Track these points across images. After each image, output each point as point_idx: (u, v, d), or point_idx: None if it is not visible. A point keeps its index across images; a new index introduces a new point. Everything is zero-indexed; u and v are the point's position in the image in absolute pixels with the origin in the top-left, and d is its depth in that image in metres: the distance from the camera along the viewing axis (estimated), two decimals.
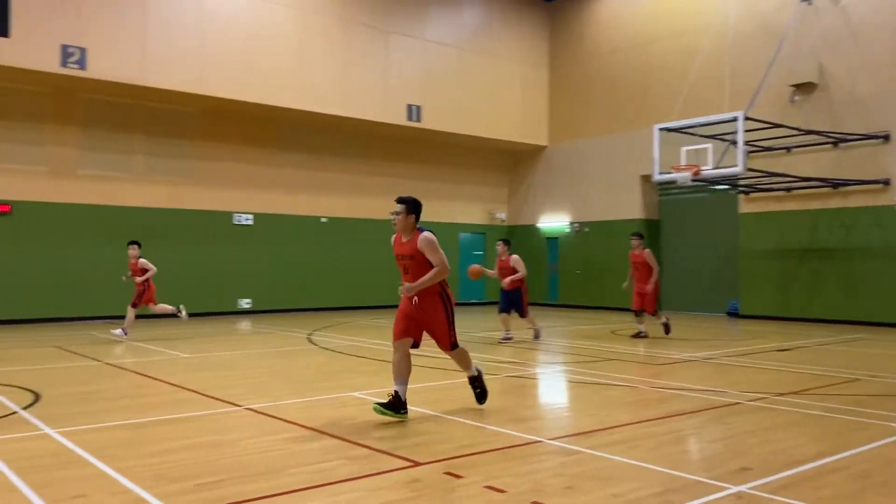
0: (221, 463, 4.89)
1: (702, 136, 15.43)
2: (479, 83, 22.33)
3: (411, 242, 6.35)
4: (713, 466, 4.86)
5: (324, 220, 20.78)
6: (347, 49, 19.60)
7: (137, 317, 13.48)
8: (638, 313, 13.39)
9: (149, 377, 8.63)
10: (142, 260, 13.18)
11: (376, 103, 19.98)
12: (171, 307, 13.53)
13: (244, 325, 16.55)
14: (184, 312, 13.61)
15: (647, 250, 13.29)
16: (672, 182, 15.91)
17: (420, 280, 6.26)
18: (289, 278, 20.16)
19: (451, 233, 23.00)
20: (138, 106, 17.71)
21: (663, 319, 13.46)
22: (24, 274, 16.15)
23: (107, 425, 6.10)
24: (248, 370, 9.36)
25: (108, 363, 9.84)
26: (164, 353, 10.97)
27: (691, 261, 20.77)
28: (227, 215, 19.24)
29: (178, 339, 12.93)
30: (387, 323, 16.62)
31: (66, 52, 15.29)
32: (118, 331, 12.98)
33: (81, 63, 15.47)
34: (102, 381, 8.48)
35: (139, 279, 13.08)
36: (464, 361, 6.72)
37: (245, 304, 19.48)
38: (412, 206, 6.50)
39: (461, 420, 6.26)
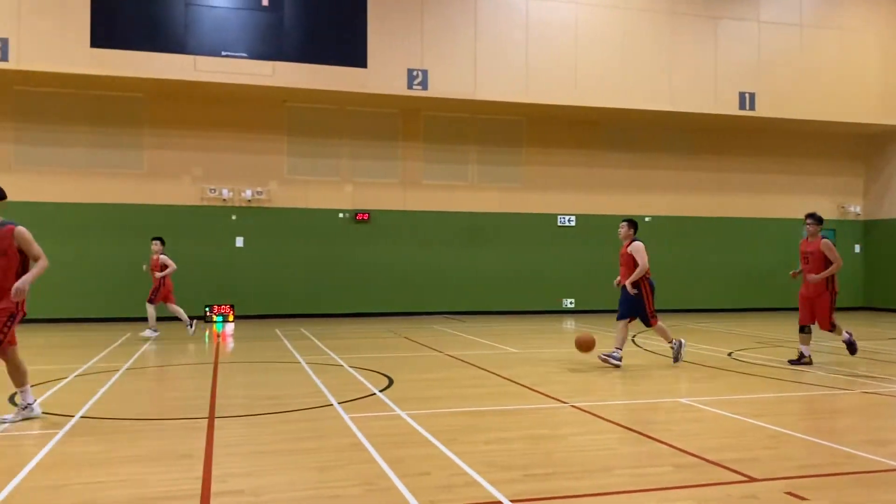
0: (550, 456, 5.03)
1: None
2: (825, 61, 19.94)
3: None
4: None
5: (647, 219, 20.33)
6: (674, 42, 18.95)
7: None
8: (804, 329, 9.75)
9: (483, 369, 9.23)
10: (163, 256, 13.32)
11: (705, 94, 18.98)
12: (182, 312, 13.50)
13: (568, 324, 16.89)
14: (192, 328, 13.46)
15: (826, 239, 9.68)
16: None
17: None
18: (611, 278, 20.05)
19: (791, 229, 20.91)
20: (471, 119, 19.13)
21: (845, 336, 9.86)
22: (380, 272, 18.42)
23: (448, 411, 6.66)
24: (572, 368, 9.52)
25: (448, 355, 10.76)
26: (496, 348, 11.66)
27: None
28: (552, 217, 19.84)
29: (508, 336, 13.65)
30: (718, 328, 15.68)
31: (411, 76, 17.13)
32: (147, 332, 13.09)
33: (424, 84, 17.20)
34: (444, 370, 9.28)
35: (158, 274, 13.24)
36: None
37: (569, 303, 19.88)
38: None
39: (802, 437, 5.63)
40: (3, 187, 6.35)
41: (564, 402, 7.00)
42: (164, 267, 13.27)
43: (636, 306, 9.57)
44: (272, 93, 17.01)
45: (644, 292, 9.56)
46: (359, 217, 18.40)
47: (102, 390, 7.59)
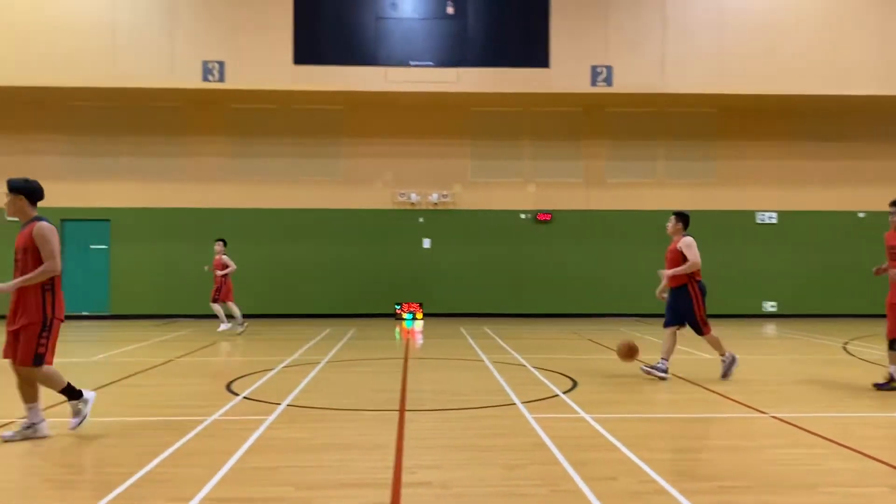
0: (747, 469, 4.73)
1: None
2: None
3: None
4: None
5: (861, 214, 18.44)
6: (884, 21, 17.07)
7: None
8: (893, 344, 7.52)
9: (673, 375, 8.85)
10: (224, 257, 13.74)
11: None
12: (238, 311, 13.72)
13: (769, 328, 15.74)
14: (244, 326, 13.75)
15: None
16: None
17: None
18: (819, 280, 18.45)
19: None
20: (658, 113, 18.42)
21: None
22: (562, 273, 18.27)
23: (635, 416, 6.47)
24: (772, 376, 8.87)
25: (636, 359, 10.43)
26: (689, 353, 11.14)
27: None
28: (750, 214, 18.61)
29: (701, 340, 12.99)
30: None
31: (595, 73, 16.85)
32: (223, 326, 13.82)
33: (608, 80, 16.85)
34: (630, 374, 9.01)
35: (219, 273, 13.67)
36: None
37: (770, 307, 18.53)
38: None
39: None
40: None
41: (764, 413, 6.54)
42: (224, 266, 13.88)
43: (684, 313, 8.31)
44: (457, 98, 17.50)
45: (693, 296, 8.27)
46: (540, 217, 18.39)
47: (305, 381, 8.21)
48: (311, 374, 8.72)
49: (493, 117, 18.38)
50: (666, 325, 8.47)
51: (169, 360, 10.10)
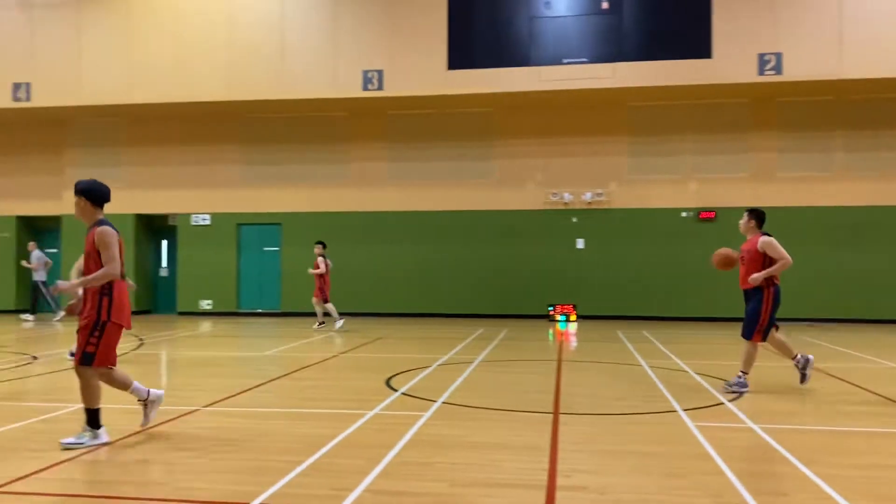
0: None
1: None
2: None
3: None
4: None
5: None
6: None
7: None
8: None
9: (853, 384, 8.14)
10: (320, 258, 14.75)
11: None
12: (334, 309, 14.86)
13: None
14: (341, 322, 14.85)
15: None
16: None
17: None
18: None
19: None
20: (835, 101, 16.99)
21: None
22: (727, 274, 17.25)
23: (808, 428, 6.01)
24: None
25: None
26: (873, 362, 10.20)
27: None
28: None
29: (888, 348, 11.84)
30: None
31: (762, 61, 15.82)
32: (339, 323, 14.80)
33: (777, 68, 15.76)
34: (798, 380, 8.38)
35: (311, 271, 14.85)
36: None
37: None
38: None
39: None
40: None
41: None
42: (317, 267, 14.84)
43: (749, 313, 7.62)
44: (612, 94, 17.09)
45: (764, 300, 7.53)
46: (702, 216, 17.53)
47: (459, 379, 8.34)
48: (466, 373, 8.84)
49: (650, 112, 17.77)
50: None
51: (333, 356, 10.63)
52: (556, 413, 6.48)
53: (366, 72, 17.26)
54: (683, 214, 17.68)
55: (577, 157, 18.09)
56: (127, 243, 19.12)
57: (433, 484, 4.39)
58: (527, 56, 16.96)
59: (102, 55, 18.07)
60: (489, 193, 18.36)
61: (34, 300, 17.50)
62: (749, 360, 7.63)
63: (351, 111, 18.65)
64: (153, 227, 20.33)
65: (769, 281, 7.58)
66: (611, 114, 17.88)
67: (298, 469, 4.66)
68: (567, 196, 17.99)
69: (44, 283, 17.33)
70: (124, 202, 19.53)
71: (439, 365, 9.59)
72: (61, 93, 18.12)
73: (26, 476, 4.52)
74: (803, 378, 7.67)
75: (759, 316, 7.54)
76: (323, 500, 4.08)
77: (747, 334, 7.64)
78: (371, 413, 6.42)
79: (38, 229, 20.66)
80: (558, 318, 17.30)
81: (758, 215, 7.94)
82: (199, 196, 19.36)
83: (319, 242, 15.29)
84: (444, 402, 6.94)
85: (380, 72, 17.21)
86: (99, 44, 18.12)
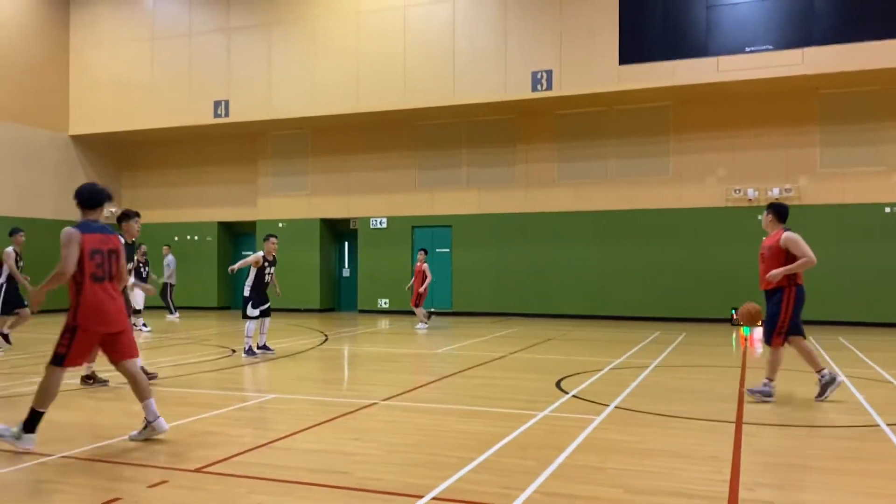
0: None
1: None
2: None
3: None
4: None
5: None
6: None
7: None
8: None
9: None
10: (424, 265, 15.38)
11: None
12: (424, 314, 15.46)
13: None
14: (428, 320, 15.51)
15: None
16: None
17: None
18: None
19: None
20: None
21: None
22: None
23: None
24: None
25: None
26: None
27: None
28: None
29: None
30: None
31: None
32: (423, 326, 15.34)
33: None
34: None
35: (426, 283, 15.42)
36: None
37: None
38: None
39: None
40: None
41: None
42: (425, 275, 15.41)
43: (769, 314, 7.11)
44: (801, 82, 15.82)
45: (785, 301, 7.02)
46: None
47: (634, 384, 8.08)
48: (640, 378, 8.56)
49: (845, 98, 16.24)
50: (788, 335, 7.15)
51: (504, 356, 10.71)
52: (738, 422, 6.10)
53: (535, 73, 17.24)
54: (887, 210, 15.99)
55: (761, 150, 16.93)
56: (313, 246, 20.66)
57: (606, 489, 4.29)
58: (704, 46, 16.13)
59: (289, 72, 19.48)
60: (665, 191, 17.64)
61: (169, 300, 18.75)
62: (772, 366, 7.11)
63: (518, 112, 18.71)
64: (336, 231, 21.59)
65: (791, 280, 7.08)
66: (799, 102, 16.55)
67: (470, 466, 4.74)
68: (751, 192, 16.87)
69: (171, 285, 18.85)
70: (311, 208, 20.96)
71: (612, 368, 9.36)
72: (254, 108, 19.75)
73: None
74: (821, 394, 7.04)
75: (778, 317, 7.05)
76: (494, 498, 4.11)
77: (767, 339, 7.16)
78: (541, 414, 6.39)
79: (236, 234, 22.65)
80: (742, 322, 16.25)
81: (778, 209, 7.56)
82: (376, 201, 20.30)
83: (423, 249, 15.87)
84: (616, 407, 6.76)
85: (549, 72, 17.11)
86: (286, 62, 19.55)
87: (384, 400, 7.10)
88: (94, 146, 22.34)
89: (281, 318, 17.70)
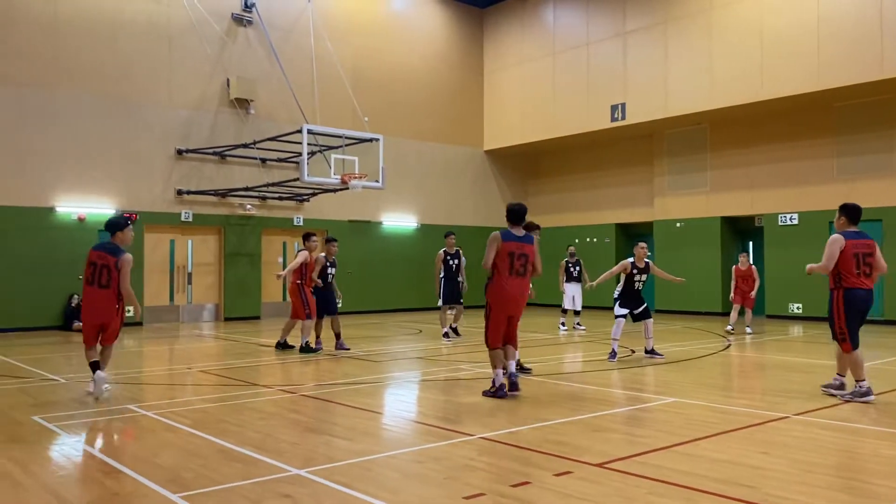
0: None
1: None
2: None
3: None
4: None
5: None
6: None
7: None
8: None
9: None
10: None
11: None
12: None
13: None
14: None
15: None
16: None
17: None
18: None
19: None
20: None
21: None
22: None
23: None
24: None
25: None
26: None
27: None
28: None
29: None
30: None
31: None
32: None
33: None
34: None
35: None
36: None
37: None
38: None
39: None
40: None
41: None
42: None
43: (828, 320, 7.16)
44: None
45: (834, 302, 7.05)
46: None
47: None
48: None
49: None
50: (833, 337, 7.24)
51: None
52: None
53: None
54: None
55: None
56: (713, 245, 19.81)
57: None
58: None
59: (686, 68, 18.91)
60: None
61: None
62: (855, 368, 7.02)
63: None
64: (737, 229, 20.36)
65: (837, 283, 7.08)
66: None
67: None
68: None
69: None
70: (710, 205, 20.11)
71: None
72: (650, 108, 19.63)
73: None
74: (845, 395, 7.09)
75: (833, 321, 7.13)
76: None
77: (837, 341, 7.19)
78: None
79: (632, 234, 22.80)
80: None
81: (846, 211, 7.34)
82: (785, 195, 18.59)
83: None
84: None
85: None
86: (683, 58, 19.02)
87: (797, 414, 6.47)
88: (504, 159, 24.60)
89: (677, 320, 17.28)
